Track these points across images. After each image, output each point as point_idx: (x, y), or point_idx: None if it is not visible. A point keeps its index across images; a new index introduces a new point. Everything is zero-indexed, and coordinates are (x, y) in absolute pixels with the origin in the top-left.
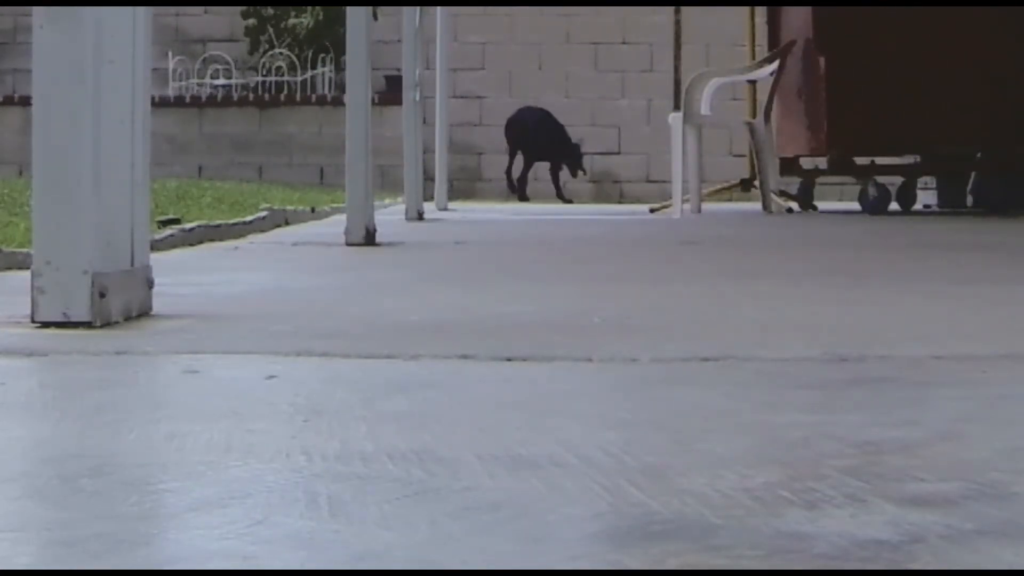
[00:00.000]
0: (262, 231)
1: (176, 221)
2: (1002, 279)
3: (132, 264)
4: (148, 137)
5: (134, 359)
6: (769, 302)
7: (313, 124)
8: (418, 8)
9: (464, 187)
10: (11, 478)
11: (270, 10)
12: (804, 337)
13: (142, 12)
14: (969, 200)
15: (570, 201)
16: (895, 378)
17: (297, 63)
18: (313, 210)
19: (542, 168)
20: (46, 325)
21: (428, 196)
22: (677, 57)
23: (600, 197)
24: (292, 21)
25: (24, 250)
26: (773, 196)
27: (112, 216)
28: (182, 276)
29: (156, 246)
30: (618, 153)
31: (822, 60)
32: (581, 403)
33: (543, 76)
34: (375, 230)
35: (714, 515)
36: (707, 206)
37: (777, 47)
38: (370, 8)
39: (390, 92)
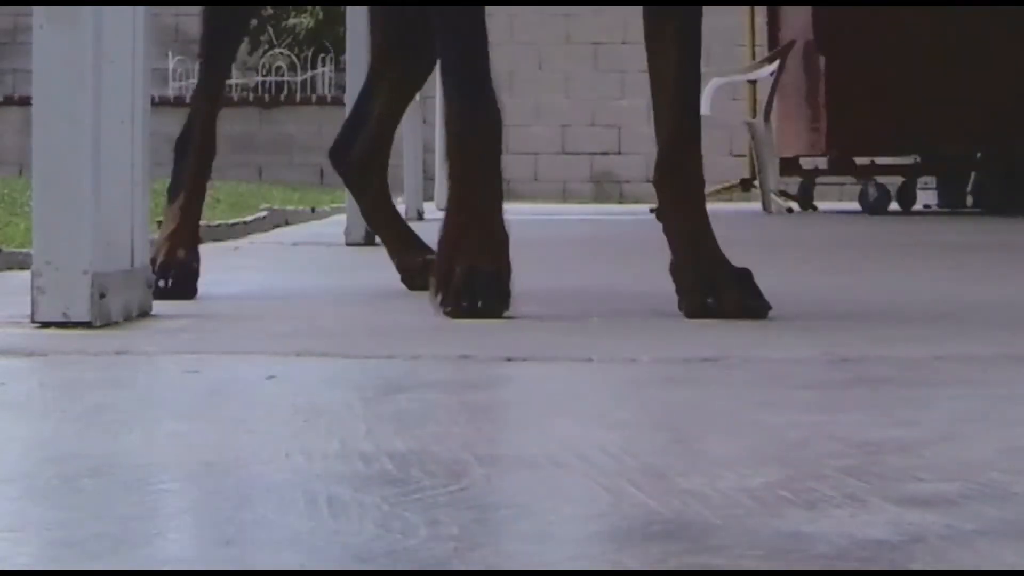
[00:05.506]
0: (262, 231)
1: None
2: (1002, 279)
3: (132, 264)
4: (148, 137)
5: (134, 359)
6: (769, 301)
7: (313, 124)
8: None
9: None
10: (11, 478)
11: (270, 10)
12: (804, 337)
13: (142, 12)
14: (969, 200)
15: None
16: (895, 378)
17: (297, 63)
18: (313, 210)
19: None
20: (46, 325)
21: (428, 196)
22: None
23: (600, 197)
24: (292, 21)
25: (24, 250)
26: (773, 196)
27: (112, 216)
28: None
29: None
30: (618, 153)
31: (822, 60)
32: (581, 403)
33: (543, 76)
34: None
35: (714, 515)
36: (707, 206)
37: (777, 47)
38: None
39: None
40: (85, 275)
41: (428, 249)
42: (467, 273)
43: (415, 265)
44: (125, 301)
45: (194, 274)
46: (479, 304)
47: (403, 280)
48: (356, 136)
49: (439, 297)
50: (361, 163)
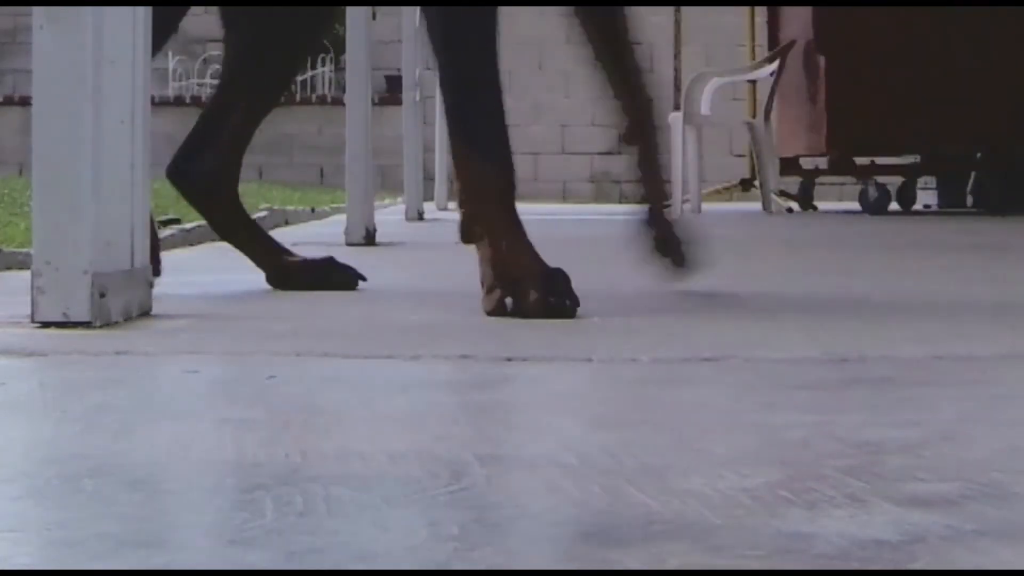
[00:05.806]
0: None
1: (176, 221)
2: (1002, 279)
3: (132, 264)
4: (148, 137)
5: (134, 359)
6: (769, 302)
7: (313, 124)
8: (418, 8)
9: None
10: (11, 478)
11: None
12: (804, 337)
13: (142, 12)
14: (969, 200)
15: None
16: (895, 378)
17: None
18: (313, 210)
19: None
20: (46, 325)
21: (428, 196)
22: (677, 57)
23: (600, 197)
24: None
25: (24, 250)
26: (773, 196)
27: (112, 216)
28: (182, 276)
29: None
30: (618, 153)
31: (822, 60)
32: (581, 403)
33: (543, 76)
34: (375, 230)
35: (714, 515)
36: (707, 206)
37: (777, 47)
38: (370, 8)
39: (390, 92)
40: (85, 275)
41: (287, 251)
42: (545, 276)
43: (282, 266)
44: (125, 301)
45: (155, 251)
46: (566, 302)
47: (270, 280)
48: (200, 151)
49: (508, 302)
50: (208, 177)
